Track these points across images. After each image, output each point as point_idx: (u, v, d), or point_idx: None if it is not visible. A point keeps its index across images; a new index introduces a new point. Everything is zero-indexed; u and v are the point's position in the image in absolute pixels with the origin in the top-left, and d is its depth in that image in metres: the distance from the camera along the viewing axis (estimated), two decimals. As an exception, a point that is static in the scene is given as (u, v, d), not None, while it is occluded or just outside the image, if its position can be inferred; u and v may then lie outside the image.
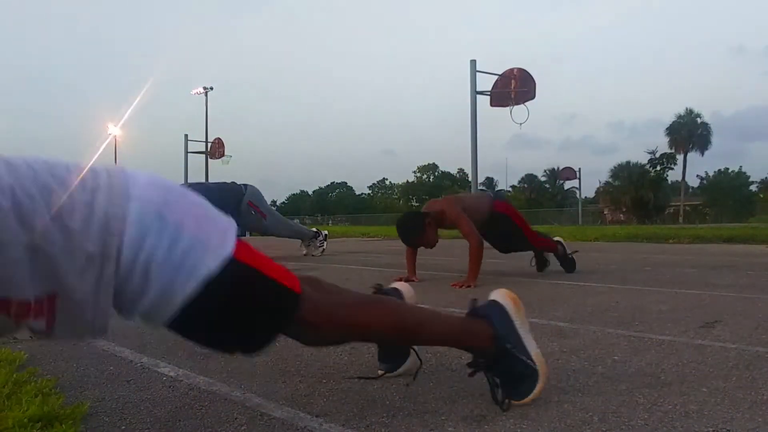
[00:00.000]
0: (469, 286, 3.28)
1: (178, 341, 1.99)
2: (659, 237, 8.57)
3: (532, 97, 20.61)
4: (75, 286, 0.85)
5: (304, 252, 6.39)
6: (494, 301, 1.34)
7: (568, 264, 4.09)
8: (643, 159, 44.54)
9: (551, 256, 4.14)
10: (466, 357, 1.71)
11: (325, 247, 6.55)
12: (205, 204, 1.00)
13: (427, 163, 75.86)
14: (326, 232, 6.75)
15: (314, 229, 6.69)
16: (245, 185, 6.12)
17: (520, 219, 3.88)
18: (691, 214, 45.07)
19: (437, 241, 3.61)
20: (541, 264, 4.14)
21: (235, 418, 1.22)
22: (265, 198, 6.19)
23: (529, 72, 21.20)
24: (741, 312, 2.39)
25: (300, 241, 6.55)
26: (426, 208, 3.71)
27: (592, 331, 2.05)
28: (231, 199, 5.79)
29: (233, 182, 6.13)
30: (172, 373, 1.58)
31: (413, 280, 3.58)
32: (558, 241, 4.08)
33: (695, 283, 3.42)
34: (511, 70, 20.92)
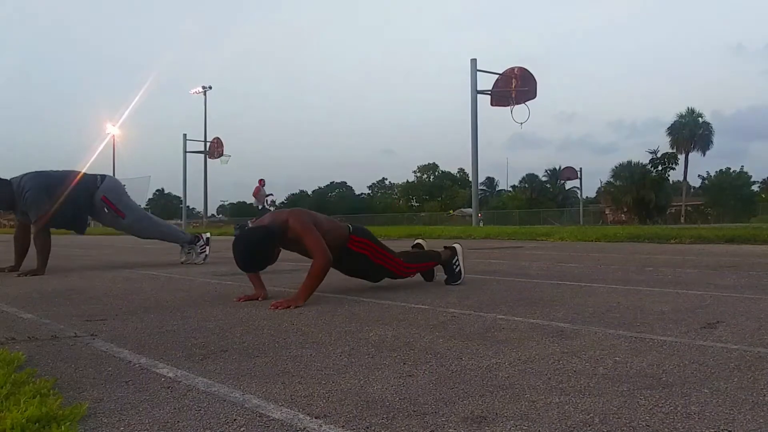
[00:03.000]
0: (296, 306, 2.71)
1: (177, 341, 1.98)
2: (661, 237, 8.55)
3: (533, 96, 20.67)
4: None
5: (183, 259, 5.66)
6: None
7: (452, 276, 3.51)
8: (645, 159, 44.54)
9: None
10: (467, 357, 1.71)
11: (207, 252, 5.74)
12: None
13: (427, 163, 75.95)
14: (208, 235, 5.94)
15: (196, 235, 5.83)
16: (102, 176, 5.32)
17: (379, 254, 3.25)
18: (693, 214, 45.09)
19: (277, 258, 3.01)
20: (428, 277, 3.66)
21: (234, 420, 1.22)
22: None
23: (530, 71, 21.17)
24: (743, 313, 2.38)
25: (180, 246, 5.78)
26: (266, 221, 3.03)
27: (593, 332, 2.05)
28: (81, 192, 5.06)
29: (85, 174, 5.22)
30: (170, 374, 1.57)
31: (260, 297, 3.00)
32: (437, 252, 3.52)
33: (697, 283, 3.42)
34: (512, 69, 20.98)
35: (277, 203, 22.06)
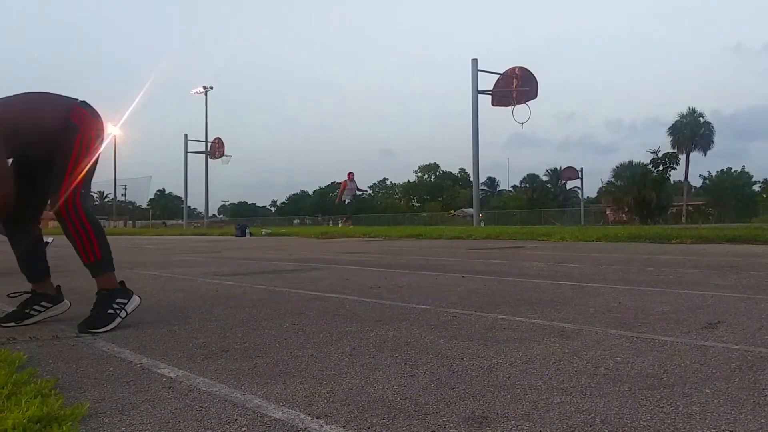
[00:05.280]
0: None
1: (178, 342, 1.98)
2: (662, 237, 8.55)
3: (534, 96, 20.65)
4: None
5: None
6: None
7: (99, 317, 2.22)
8: (645, 158, 44.46)
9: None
10: (468, 357, 1.71)
11: None
12: None
13: (428, 163, 76.02)
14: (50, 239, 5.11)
15: None
16: None
17: (82, 153, 2.24)
18: (694, 214, 45.05)
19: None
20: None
21: (235, 420, 1.22)
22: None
23: (531, 71, 21.14)
24: (744, 313, 2.38)
25: None
26: None
27: (594, 332, 2.04)
28: None
29: None
30: (171, 374, 1.57)
31: None
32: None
33: (698, 283, 3.41)
34: (513, 68, 20.97)
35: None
